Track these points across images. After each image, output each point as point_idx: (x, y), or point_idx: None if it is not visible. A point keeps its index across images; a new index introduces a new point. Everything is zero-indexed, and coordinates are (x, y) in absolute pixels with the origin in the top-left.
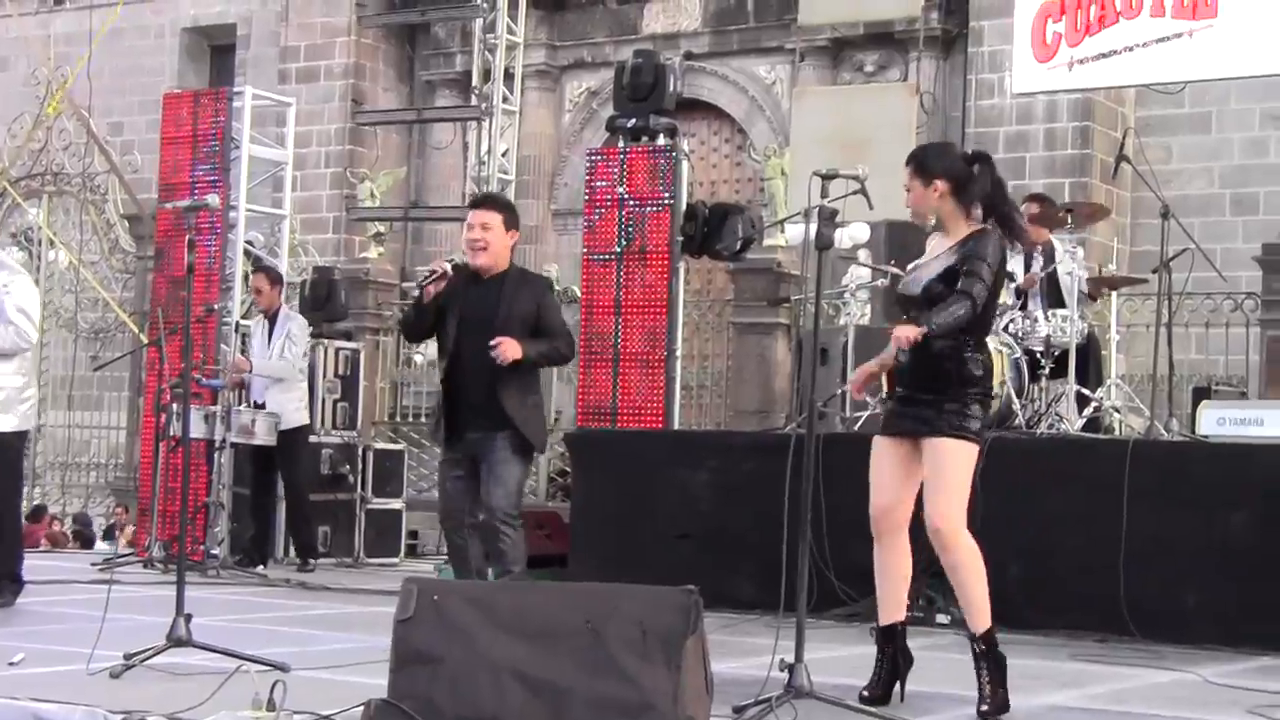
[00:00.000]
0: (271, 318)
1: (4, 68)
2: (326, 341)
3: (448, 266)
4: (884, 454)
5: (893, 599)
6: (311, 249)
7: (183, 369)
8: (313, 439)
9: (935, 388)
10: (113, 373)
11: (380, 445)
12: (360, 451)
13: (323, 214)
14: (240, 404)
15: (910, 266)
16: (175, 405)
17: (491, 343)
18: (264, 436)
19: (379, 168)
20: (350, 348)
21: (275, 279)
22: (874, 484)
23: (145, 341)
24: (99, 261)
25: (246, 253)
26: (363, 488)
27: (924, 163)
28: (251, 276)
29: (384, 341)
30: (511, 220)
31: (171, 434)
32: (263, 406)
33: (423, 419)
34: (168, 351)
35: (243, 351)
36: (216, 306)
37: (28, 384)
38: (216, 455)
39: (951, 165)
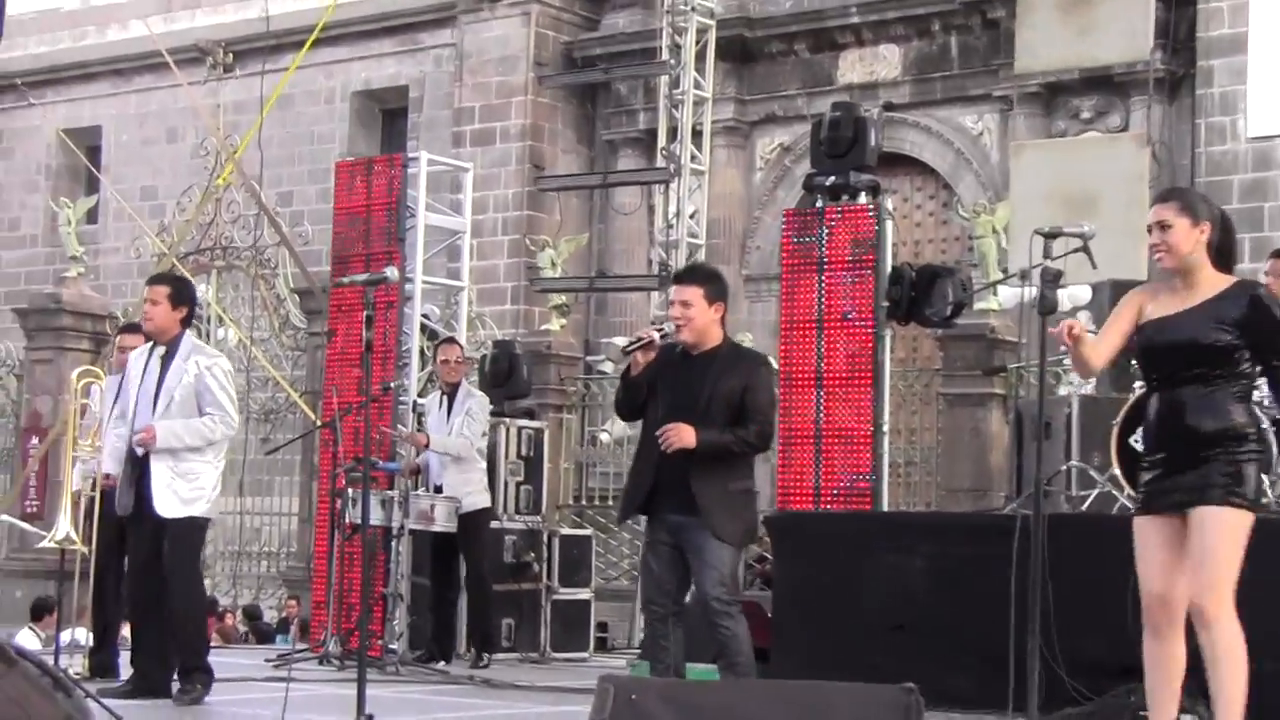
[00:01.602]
0: (450, 393)
1: (173, 139)
2: (508, 420)
3: (655, 334)
4: (1150, 535)
5: (1167, 699)
6: (489, 321)
7: (361, 451)
8: (494, 525)
9: (1202, 450)
10: (284, 456)
11: (566, 531)
12: (545, 538)
13: (500, 284)
14: (418, 488)
15: (1148, 317)
16: (351, 490)
17: (659, 430)
18: (444, 522)
19: (560, 234)
20: (533, 426)
21: (462, 350)
22: (1142, 572)
23: (318, 423)
24: (269, 339)
25: (423, 328)
26: (548, 577)
27: (1191, 202)
28: (441, 347)
29: (567, 419)
30: (714, 292)
31: (347, 521)
32: (440, 490)
33: (610, 502)
34: (342, 433)
35: (422, 430)
36: (393, 384)
37: (216, 475)
38: (394, 543)
39: (1213, 210)
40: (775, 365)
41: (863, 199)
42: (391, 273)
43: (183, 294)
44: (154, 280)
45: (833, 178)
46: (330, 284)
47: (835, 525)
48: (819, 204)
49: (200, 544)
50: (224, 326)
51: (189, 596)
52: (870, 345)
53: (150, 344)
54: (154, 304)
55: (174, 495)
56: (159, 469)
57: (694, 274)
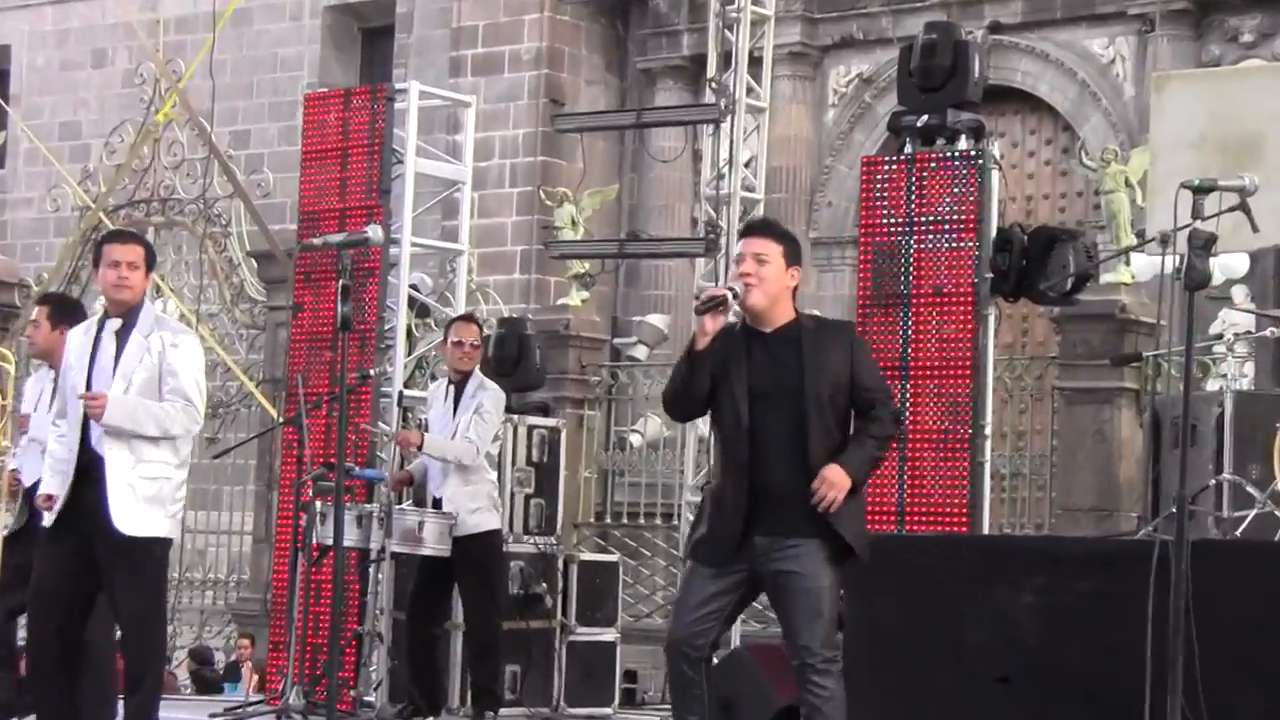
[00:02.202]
0: (460, 384)
1: (100, 63)
2: (517, 418)
3: (730, 292)
4: None
5: None
6: (494, 294)
7: (333, 455)
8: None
9: None
10: (236, 460)
11: (586, 556)
12: (561, 564)
13: (508, 247)
14: (403, 501)
15: None
16: (320, 503)
17: (815, 498)
18: (436, 544)
19: (582, 186)
20: (547, 425)
21: (481, 331)
22: None
23: (280, 419)
24: (219, 314)
25: (411, 302)
26: (564, 613)
27: None
28: (454, 326)
29: (590, 417)
30: (793, 254)
31: (315, 542)
32: (438, 505)
33: (641, 519)
34: (310, 432)
35: (404, 425)
36: (374, 372)
37: (183, 479)
38: (373, 570)
39: None
40: None
41: (963, 144)
42: (374, 233)
43: (153, 257)
44: (123, 239)
45: (925, 117)
46: (296, 246)
47: (923, 552)
48: (907, 150)
49: (161, 575)
50: (162, 298)
51: (154, 652)
52: (970, 327)
53: (99, 317)
54: (132, 268)
55: (136, 504)
56: (117, 466)
57: (770, 227)
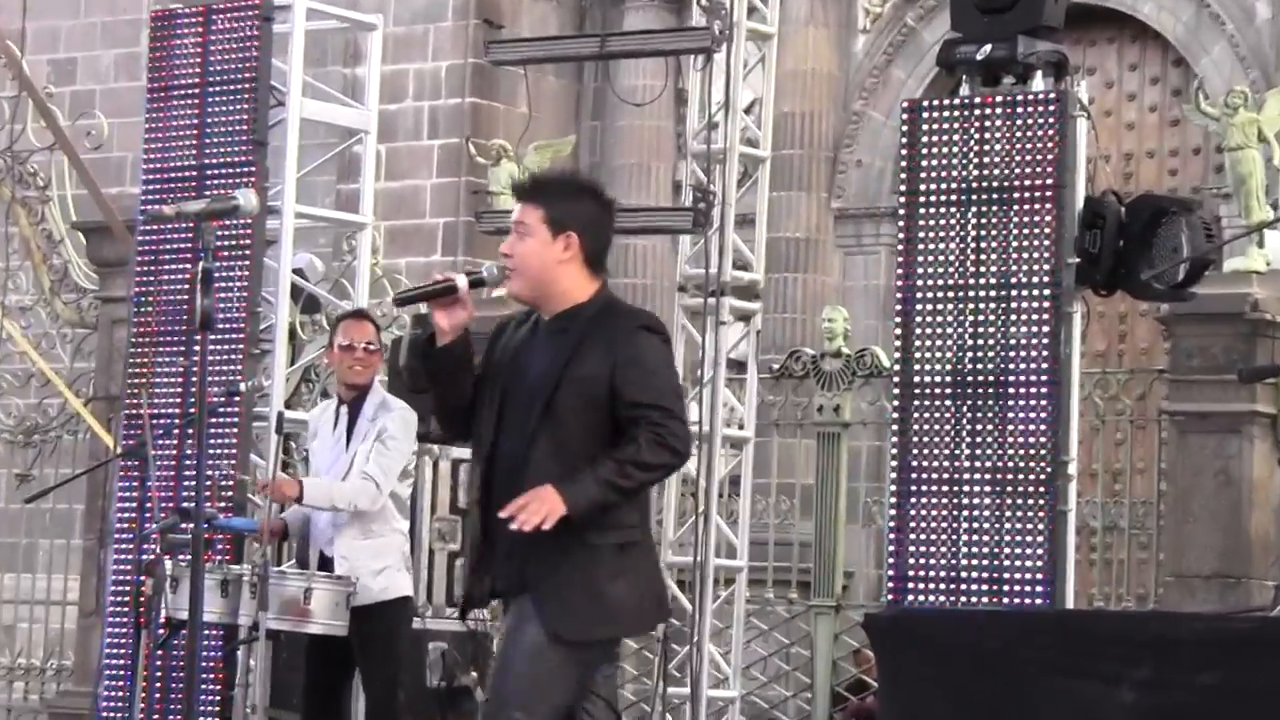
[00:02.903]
0: (353, 403)
1: None
2: (437, 449)
3: (460, 279)
4: None
5: None
6: (406, 282)
7: (190, 499)
8: (414, 624)
9: None
10: (56, 505)
11: None
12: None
13: (426, 219)
14: (283, 560)
15: None
16: (171, 563)
17: (504, 511)
18: (328, 619)
19: (526, 138)
20: None
21: (379, 331)
22: None
23: (115, 450)
24: (34, 307)
25: (296, 292)
26: None
27: None
28: (342, 325)
29: None
30: (565, 215)
31: (164, 615)
32: (329, 566)
33: None
34: (157, 468)
35: (287, 466)
36: (245, 386)
37: None
38: (242, 654)
39: None
40: (883, 359)
41: (1038, 83)
42: (245, 199)
43: None
44: None
45: (987, 48)
46: (139, 217)
47: (985, 631)
48: (964, 91)
49: None
50: None
51: None
52: (1047, 330)
53: None
54: None
55: None
56: None
57: (533, 188)
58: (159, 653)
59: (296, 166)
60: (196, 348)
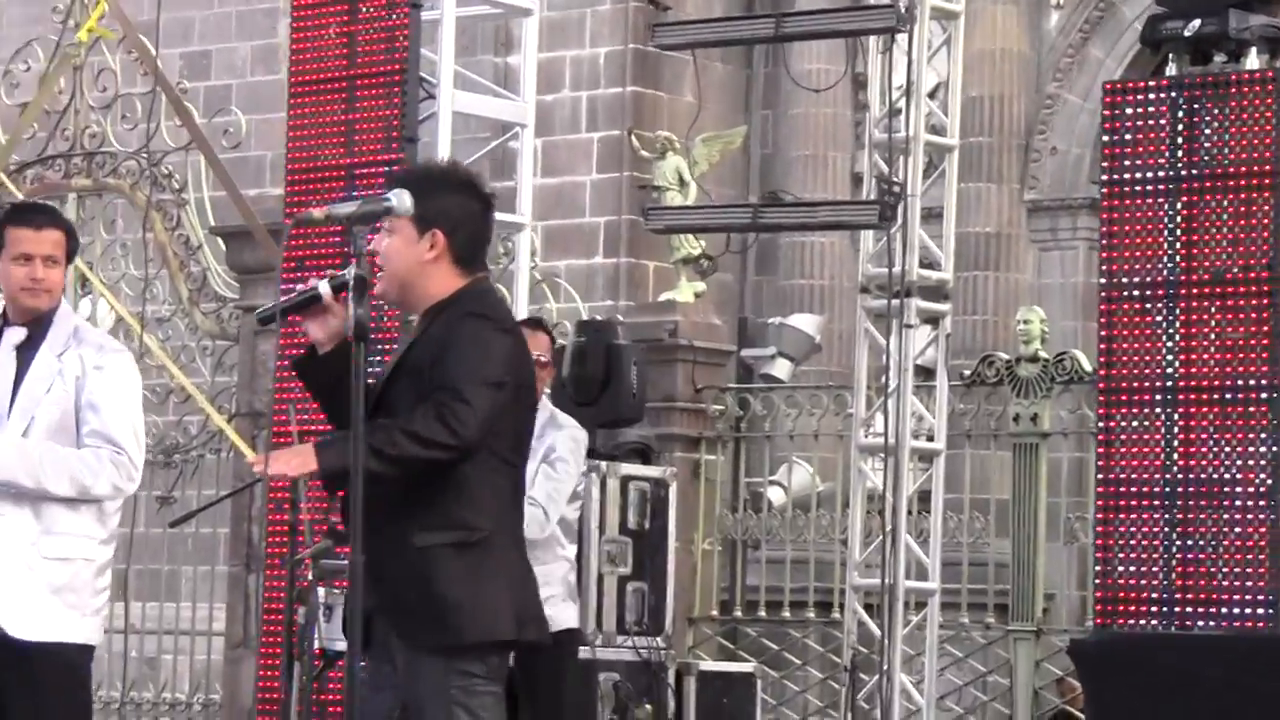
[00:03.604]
0: None
1: None
2: (605, 466)
3: (323, 285)
4: None
5: None
6: (568, 287)
7: (341, 523)
8: (583, 653)
9: None
10: (200, 529)
11: (709, 665)
12: (672, 677)
13: (586, 219)
14: None
15: None
16: (324, 592)
17: (252, 460)
18: None
19: (695, 129)
20: (650, 477)
21: (556, 350)
22: None
23: (261, 471)
24: (172, 317)
25: None
26: None
27: None
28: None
29: (710, 464)
30: (433, 213)
31: (317, 647)
32: None
33: (785, 611)
34: (306, 489)
35: None
36: None
37: (108, 560)
38: None
39: None
40: (1084, 363)
41: (1252, 61)
42: (398, 200)
43: (75, 242)
44: (35, 220)
45: (1196, 23)
46: (284, 221)
47: (1203, 657)
48: (1170, 71)
49: (87, 695)
50: (90, 295)
51: None
52: (1267, 329)
53: None
54: (50, 264)
55: (39, 595)
56: (13, 541)
57: (403, 182)
58: (312, 685)
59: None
60: (350, 359)
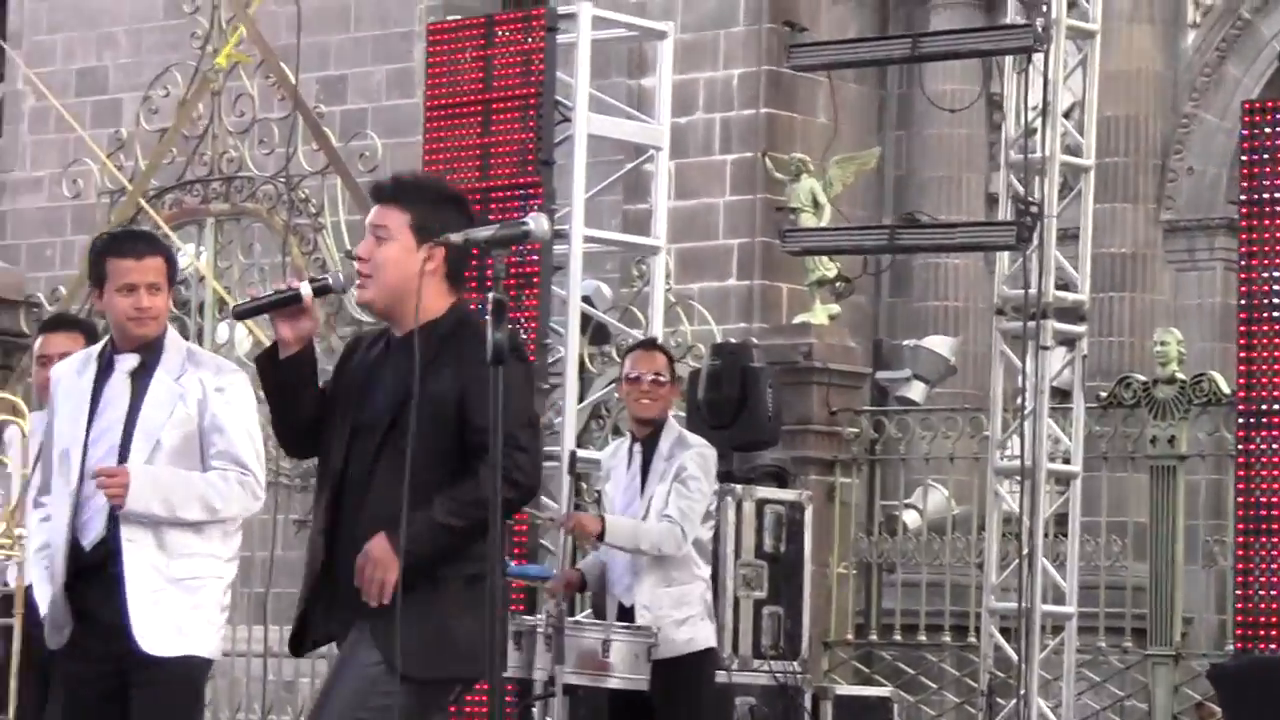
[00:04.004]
0: (647, 440)
1: None
2: (741, 489)
3: (304, 286)
4: None
5: None
6: (701, 309)
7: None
8: (719, 677)
9: None
10: None
11: (845, 689)
12: (809, 701)
13: (718, 240)
14: (578, 610)
15: None
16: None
17: (358, 563)
18: (628, 672)
19: (829, 151)
20: (786, 499)
21: (674, 369)
22: None
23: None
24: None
25: (585, 321)
26: None
27: None
28: (632, 357)
29: (844, 486)
30: (430, 224)
31: None
32: (628, 616)
33: (921, 634)
34: None
35: (578, 509)
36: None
37: (232, 578)
38: (538, 712)
39: None
40: (1222, 385)
41: None
42: (536, 224)
43: (175, 268)
44: (136, 250)
45: None
46: None
47: None
48: None
49: (202, 707)
50: (226, 318)
51: None
52: None
53: (101, 348)
54: (154, 291)
55: (166, 613)
56: (138, 564)
57: (395, 189)
58: (452, 708)
59: (584, 187)
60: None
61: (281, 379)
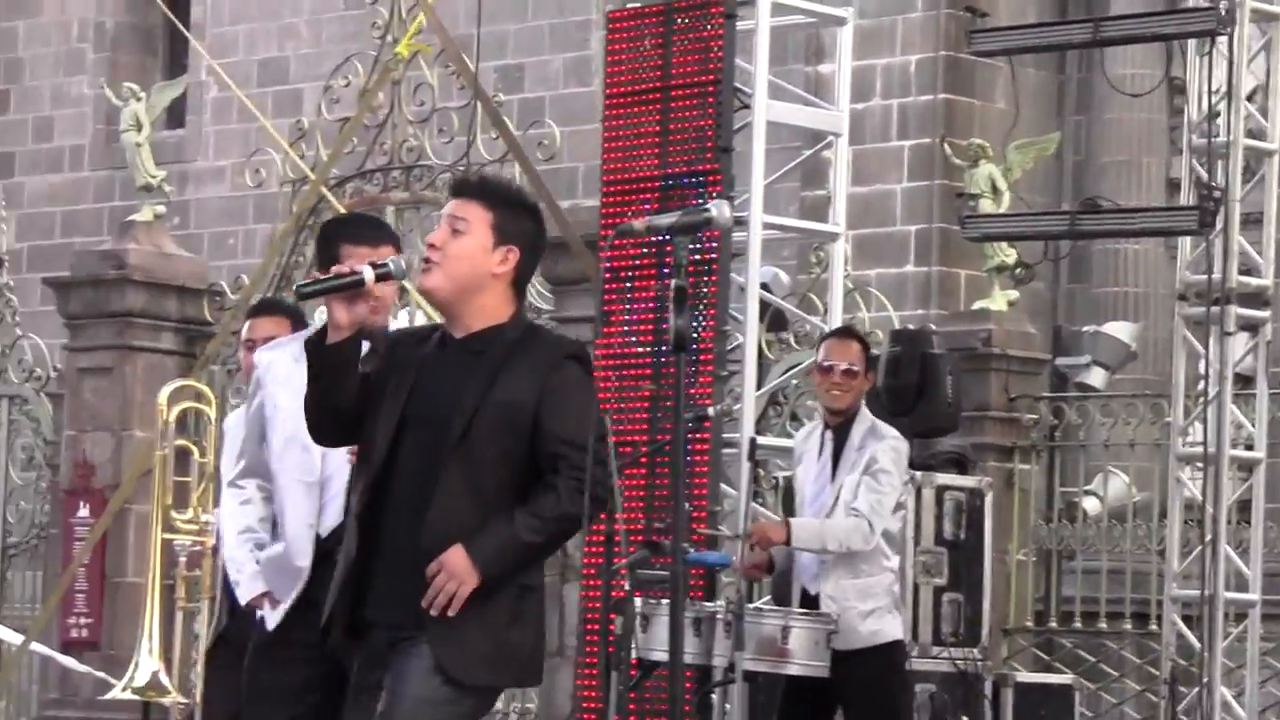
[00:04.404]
0: (839, 428)
1: None
2: (921, 475)
3: (368, 270)
4: None
5: None
6: (879, 295)
7: (657, 532)
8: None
9: None
10: None
11: (1025, 676)
12: (989, 689)
13: (896, 227)
14: (757, 598)
15: None
16: (642, 601)
17: (429, 573)
18: (806, 659)
19: (1010, 136)
20: (966, 487)
21: (870, 357)
22: None
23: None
24: None
25: (761, 308)
26: None
27: None
28: (826, 345)
29: (1023, 473)
30: (509, 223)
31: (634, 655)
32: (811, 603)
33: (1102, 622)
34: (622, 499)
35: (757, 495)
36: (714, 411)
37: None
38: (717, 698)
39: None
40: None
41: None
42: (718, 211)
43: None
44: (378, 233)
45: None
46: (600, 233)
47: None
48: None
49: None
50: (407, 306)
51: None
52: None
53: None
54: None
55: None
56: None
57: (482, 187)
58: (630, 694)
59: (763, 173)
60: (663, 370)
61: (328, 363)
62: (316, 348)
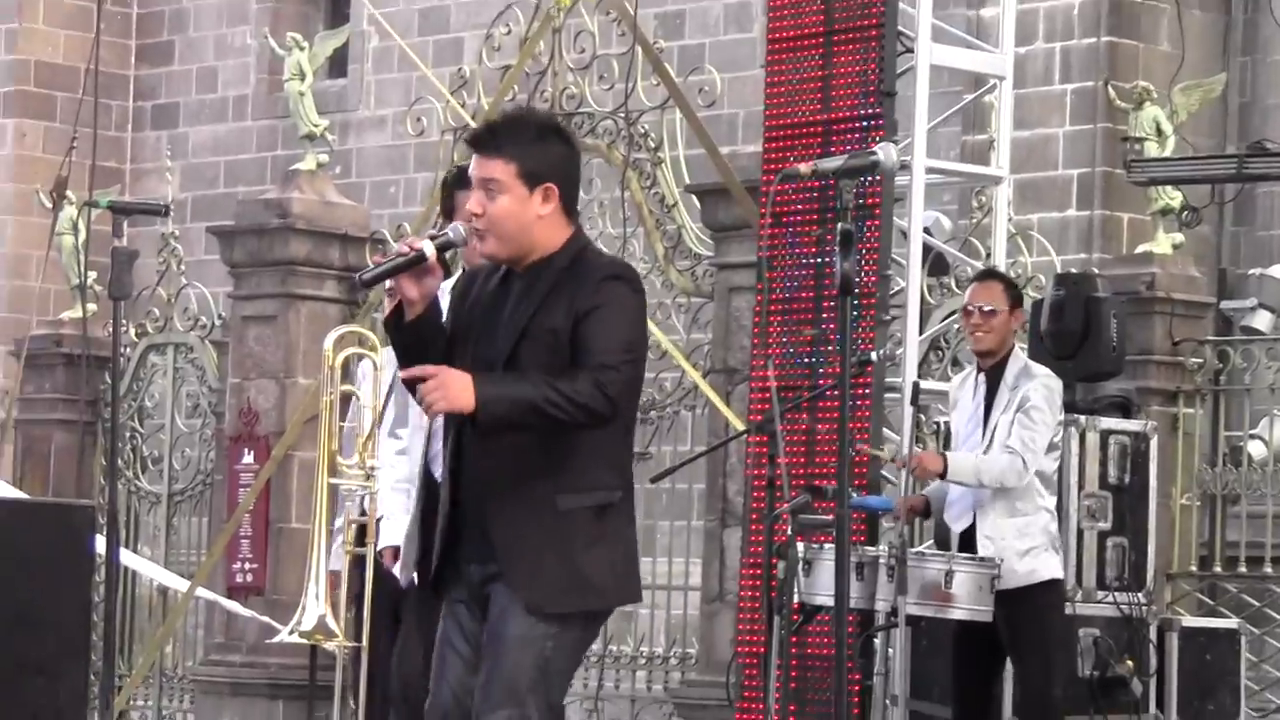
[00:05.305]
0: (992, 370)
1: None
2: (1084, 419)
3: (428, 245)
4: None
5: None
6: (1041, 239)
7: (819, 477)
8: (1065, 609)
9: None
10: (676, 485)
11: (1190, 621)
12: (1154, 633)
13: (1057, 171)
14: (920, 540)
15: None
16: (803, 546)
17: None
18: (971, 604)
19: (1175, 80)
20: (1130, 430)
21: (1016, 296)
22: None
23: (734, 427)
24: (648, 274)
25: (924, 252)
26: (1159, 704)
27: None
28: (974, 288)
29: (1188, 417)
30: (539, 169)
31: (796, 600)
32: (967, 545)
33: (1268, 567)
34: (784, 444)
35: (918, 441)
36: (877, 355)
37: None
38: (880, 642)
39: None
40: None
41: None
42: (885, 154)
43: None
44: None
45: None
46: (762, 178)
47: None
48: None
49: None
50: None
51: None
52: None
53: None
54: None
55: None
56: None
57: (495, 136)
58: (793, 638)
59: (926, 117)
60: (825, 314)
61: (410, 340)
62: (398, 326)
